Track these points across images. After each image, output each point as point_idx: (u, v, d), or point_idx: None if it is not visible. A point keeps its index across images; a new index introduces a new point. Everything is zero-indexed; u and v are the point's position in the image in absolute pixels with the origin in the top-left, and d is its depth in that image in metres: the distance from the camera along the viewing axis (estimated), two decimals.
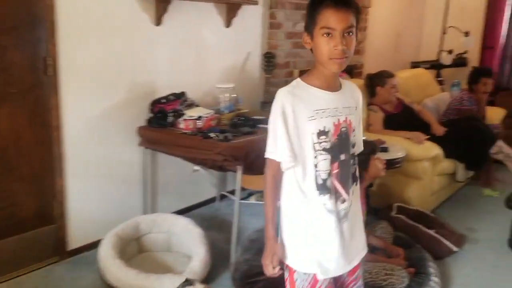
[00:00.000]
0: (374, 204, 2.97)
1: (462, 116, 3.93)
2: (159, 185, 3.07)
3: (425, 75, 4.85)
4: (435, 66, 5.33)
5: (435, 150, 3.36)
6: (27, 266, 2.49)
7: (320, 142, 1.38)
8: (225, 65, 3.36)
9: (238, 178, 2.52)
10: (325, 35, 1.33)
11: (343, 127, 1.42)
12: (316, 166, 1.40)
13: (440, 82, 5.17)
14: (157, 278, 2.18)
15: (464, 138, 3.57)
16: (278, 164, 1.41)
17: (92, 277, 2.44)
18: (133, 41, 2.74)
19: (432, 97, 4.50)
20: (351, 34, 1.34)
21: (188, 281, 2.12)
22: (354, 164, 1.49)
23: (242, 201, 2.91)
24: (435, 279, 2.40)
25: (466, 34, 5.06)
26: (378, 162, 2.40)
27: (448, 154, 3.48)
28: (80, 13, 2.47)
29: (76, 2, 2.44)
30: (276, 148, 1.40)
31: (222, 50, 3.32)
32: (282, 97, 1.38)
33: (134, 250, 2.60)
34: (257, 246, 2.52)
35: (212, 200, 3.49)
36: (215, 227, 3.06)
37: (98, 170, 2.70)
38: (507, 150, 3.63)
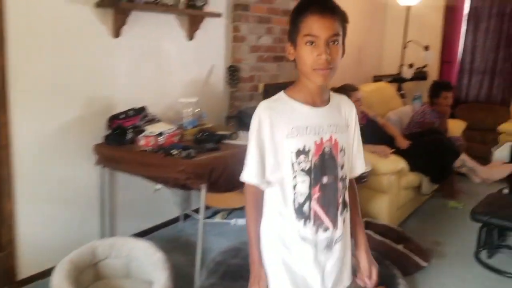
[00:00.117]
0: None
1: (424, 129, 3.98)
2: (118, 207, 2.93)
3: (388, 89, 4.93)
4: (397, 79, 5.43)
5: (400, 163, 3.36)
6: None
7: (299, 162, 1.27)
8: (188, 78, 3.27)
9: (202, 197, 2.41)
10: (308, 43, 1.23)
11: (326, 147, 1.30)
12: (294, 187, 1.28)
13: (402, 96, 5.27)
14: None
15: (428, 152, 3.60)
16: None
17: None
18: (89, 54, 2.62)
19: (395, 110, 4.56)
20: (336, 43, 1.25)
21: None
22: (343, 188, 1.35)
23: (207, 220, 2.82)
24: None
25: (426, 48, 5.19)
26: None
27: (413, 168, 3.49)
28: (33, 24, 2.34)
29: (29, 12, 2.31)
30: (246, 168, 1.30)
31: (185, 63, 3.23)
32: (260, 112, 1.28)
33: (90, 278, 2.42)
34: (223, 268, 2.43)
35: (175, 220, 3.36)
36: (178, 249, 2.93)
37: (51, 192, 2.56)
38: (470, 163, 3.69)
